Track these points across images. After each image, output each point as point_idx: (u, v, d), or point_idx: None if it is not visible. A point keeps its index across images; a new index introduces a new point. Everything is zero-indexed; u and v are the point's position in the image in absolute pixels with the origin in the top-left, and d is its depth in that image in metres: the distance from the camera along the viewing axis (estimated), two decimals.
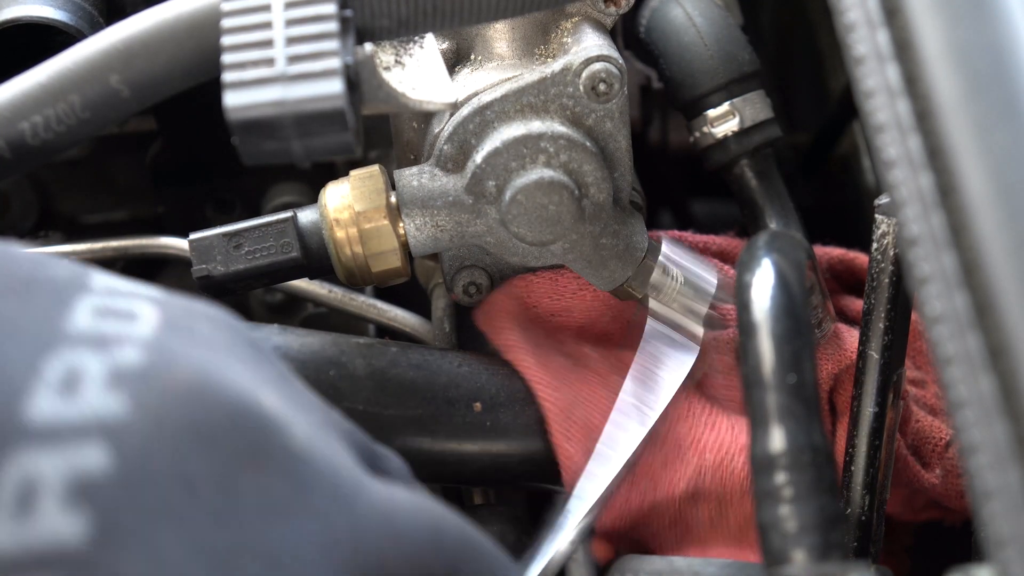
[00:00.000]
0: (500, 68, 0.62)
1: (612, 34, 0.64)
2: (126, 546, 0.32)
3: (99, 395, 0.33)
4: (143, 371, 0.34)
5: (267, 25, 0.46)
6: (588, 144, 0.59)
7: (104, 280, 0.38)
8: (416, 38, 0.57)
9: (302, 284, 0.68)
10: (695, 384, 0.66)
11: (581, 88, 0.59)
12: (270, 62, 0.45)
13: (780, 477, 0.45)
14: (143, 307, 0.37)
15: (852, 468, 0.60)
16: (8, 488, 0.31)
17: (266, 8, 0.47)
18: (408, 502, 0.41)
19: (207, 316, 0.40)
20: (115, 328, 0.35)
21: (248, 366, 0.38)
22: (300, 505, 0.36)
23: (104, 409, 0.33)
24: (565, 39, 0.62)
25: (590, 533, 0.64)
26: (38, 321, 0.35)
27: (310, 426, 0.39)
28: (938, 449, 0.66)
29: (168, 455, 0.34)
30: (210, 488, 0.34)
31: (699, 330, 0.63)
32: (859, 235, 0.73)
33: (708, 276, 0.64)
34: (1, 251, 0.38)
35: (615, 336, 0.67)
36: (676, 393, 0.62)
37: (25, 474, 0.31)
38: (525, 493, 0.70)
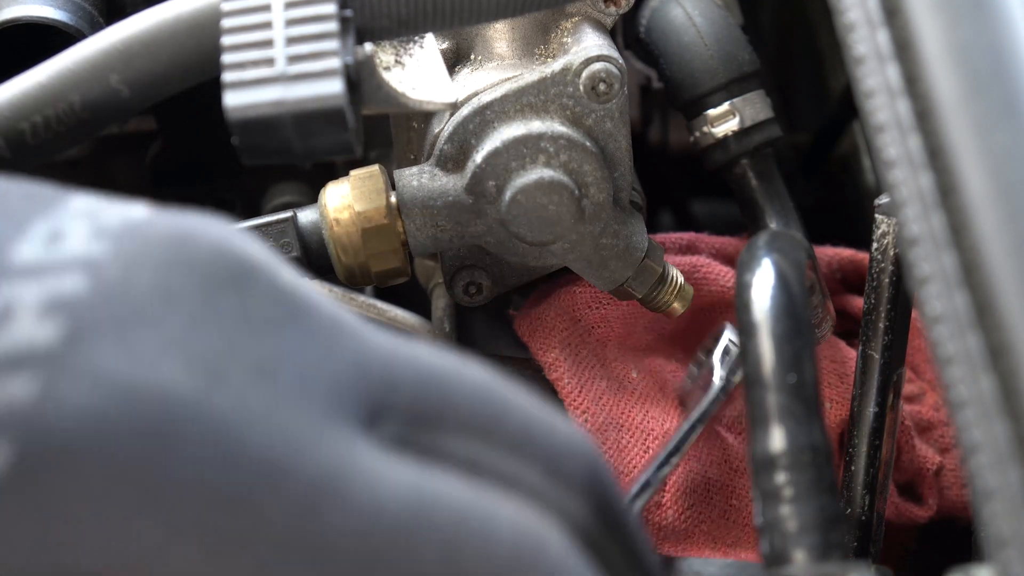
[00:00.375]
0: (500, 68, 0.62)
1: (612, 34, 0.64)
2: (99, 344, 0.32)
3: (83, 243, 0.34)
4: (127, 226, 0.35)
5: (267, 25, 0.46)
6: (588, 144, 0.59)
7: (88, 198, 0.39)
8: (416, 38, 0.57)
9: None
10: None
11: (581, 88, 0.59)
12: (270, 62, 0.45)
13: (780, 477, 0.45)
14: (135, 207, 0.37)
15: (852, 468, 0.60)
16: None
17: (266, 8, 0.47)
18: (424, 348, 0.38)
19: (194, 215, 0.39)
20: (104, 207, 0.36)
21: (233, 230, 0.37)
22: (294, 325, 0.35)
23: (86, 252, 0.33)
24: (565, 39, 0.62)
25: None
26: (31, 204, 0.35)
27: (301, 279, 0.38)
28: (928, 477, 0.67)
29: (147, 277, 0.33)
30: (190, 300, 0.34)
31: None
32: (859, 235, 0.73)
33: None
34: None
35: (653, 347, 0.68)
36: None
37: (4, 299, 0.32)
38: None
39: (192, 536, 0.32)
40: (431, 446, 0.36)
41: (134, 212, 0.36)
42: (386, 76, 0.50)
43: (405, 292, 0.70)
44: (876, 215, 0.60)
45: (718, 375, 0.62)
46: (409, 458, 0.35)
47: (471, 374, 0.38)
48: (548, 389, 0.65)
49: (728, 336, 0.63)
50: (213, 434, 0.32)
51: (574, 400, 0.63)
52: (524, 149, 0.59)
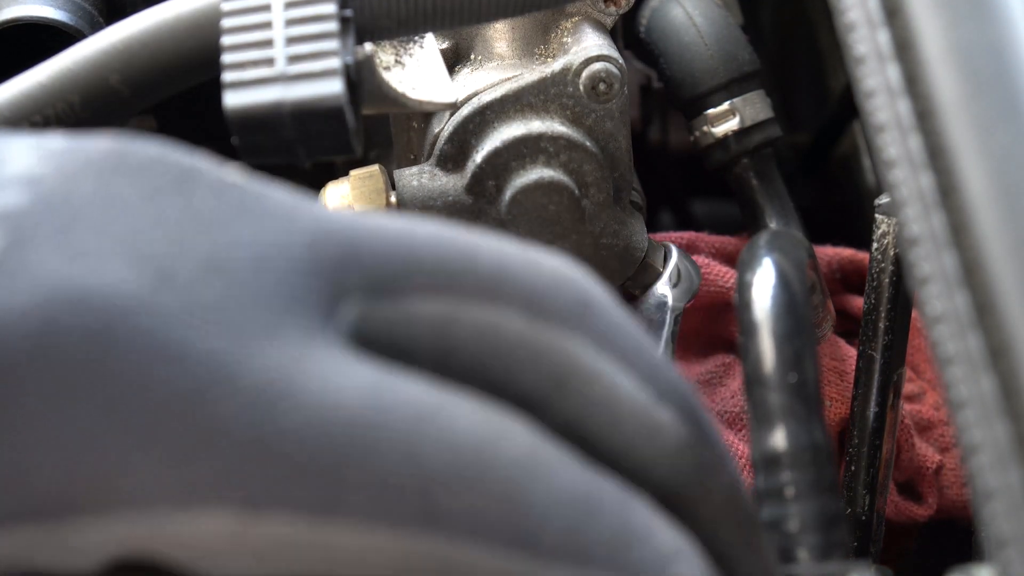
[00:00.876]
0: (500, 68, 0.62)
1: (612, 34, 0.64)
2: (39, 250, 0.31)
3: (25, 164, 0.33)
4: (66, 149, 0.34)
5: (267, 25, 0.46)
6: (588, 144, 0.59)
7: None
8: (416, 38, 0.57)
9: None
10: None
11: (581, 88, 0.59)
12: (270, 62, 0.45)
13: (781, 477, 0.45)
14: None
15: (852, 468, 0.60)
16: None
17: (266, 8, 0.47)
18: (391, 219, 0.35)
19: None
20: (56, 136, 0.35)
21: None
22: (241, 215, 0.33)
23: (27, 170, 0.33)
24: (565, 39, 0.62)
25: None
26: None
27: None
28: (928, 476, 0.67)
29: (88, 187, 0.32)
30: (133, 205, 0.32)
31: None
32: (859, 235, 0.73)
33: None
34: None
35: None
36: None
37: None
38: None
39: (149, 442, 0.30)
40: (397, 318, 0.33)
41: (81, 138, 0.35)
42: (386, 76, 0.50)
43: None
44: (876, 215, 0.60)
45: (669, 299, 0.62)
46: (370, 355, 0.33)
47: (433, 228, 0.35)
48: None
49: (675, 260, 0.63)
50: (163, 334, 0.30)
51: None
52: (524, 149, 0.59)
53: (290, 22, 0.46)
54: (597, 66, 0.59)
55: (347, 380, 0.32)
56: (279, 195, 0.35)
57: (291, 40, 0.46)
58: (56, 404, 0.30)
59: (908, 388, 0.69)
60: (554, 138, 0.59)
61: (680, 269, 0.63)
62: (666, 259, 0.63)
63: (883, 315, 0.59)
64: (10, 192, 0.32)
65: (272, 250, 0.33)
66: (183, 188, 0.33)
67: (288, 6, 0.47)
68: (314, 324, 0.32)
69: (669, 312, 0.62)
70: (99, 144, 0.34)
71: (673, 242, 0.69)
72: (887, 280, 0.59)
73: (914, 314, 0.61)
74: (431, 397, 0.32)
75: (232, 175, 0.35)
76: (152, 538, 0.31)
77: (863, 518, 0.60)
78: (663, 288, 0.62)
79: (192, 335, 0.31)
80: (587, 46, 0.60)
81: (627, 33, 0.75)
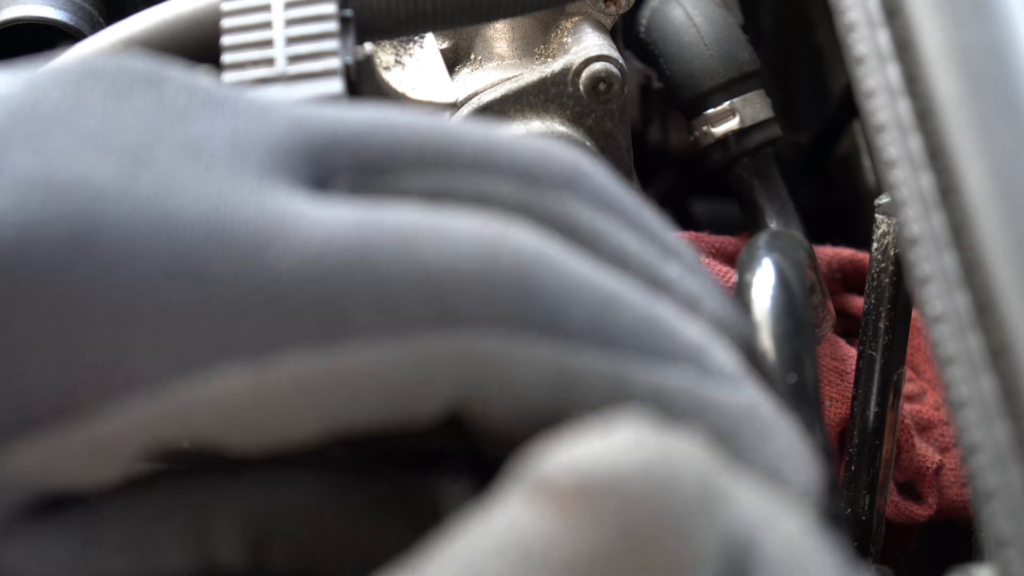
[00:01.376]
0: (500, 68, 0.62)
1: (612, 34, 0.64)
2: (11, 152, 0.30)
3: None
4: (37, 69, 0.33)
5: (267, 25, 0.46)
6: (588, 144, 0.59)
7: None
8: (416, 38, 0.57)
9: None
10: None
11: (581, 88, 0.59)
12: (270, 62, 0.45)
13: None
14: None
15: (852, 468, 0.60)
16: None
17: (266, 8, 0.47)
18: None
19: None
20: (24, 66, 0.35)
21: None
22: (215, 107, 0.32)
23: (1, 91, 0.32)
24: (565, 39, 0.62)
25: None
26: None
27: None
28: (928, 476, 0.67)
29: (55, 94, 0.32)
30: (102, 103, 0.32)
31: None
32: (859, 235, 0.73)
33: None
34: None
35: None
36: None
37: None
38: None
39: (143, 316, 0.29)
40: (387, 187, 0.33)
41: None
42: (386, 76, 0.50)
43: None
44: (876, 215, 0.60)
45: None
46: (361, 200, 0.32)
47: (415, 115, 0.34)
48: None
49: None
50: (145, 215, 0.29)
51: None
52: None
53: (290, 22, 0.46)
54: (597, 66, 0.59)
55: (334, 215, 0.31)
56: (253, 95, 0.34)
57: (291, 40, 0.46)
58: (41, 300, 0.29)
59: (908, 388, 0.69)
60: (554, 138, 0.59)
61: None
62: None
63: (883, 315, 0.59)
64: None
65: (251, 136, 0.32)
66: (153, 86, 0.33)
67: (288, 6, 0.47)
68: (300, 188, 0.32)
69: None
70: (69, 59, 0.34)
71: None
72: (887, 280, 0.59)
73: (914, 314, 0.61)
74: (425, 213, 0.31)
75: (202, 77, 0.34)
76: (169, 417, 0.30)
77: (863, 518, 0.60)
78: None
79: (173, 208, 0.30)
80: (587, 46, 0.60)
81: (627, 33, 0.75)
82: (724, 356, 0.33)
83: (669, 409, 0.31)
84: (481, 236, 0.31)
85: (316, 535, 0.33)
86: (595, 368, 0.31)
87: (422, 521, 0.33)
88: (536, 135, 0.35)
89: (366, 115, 0.34)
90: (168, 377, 0.29)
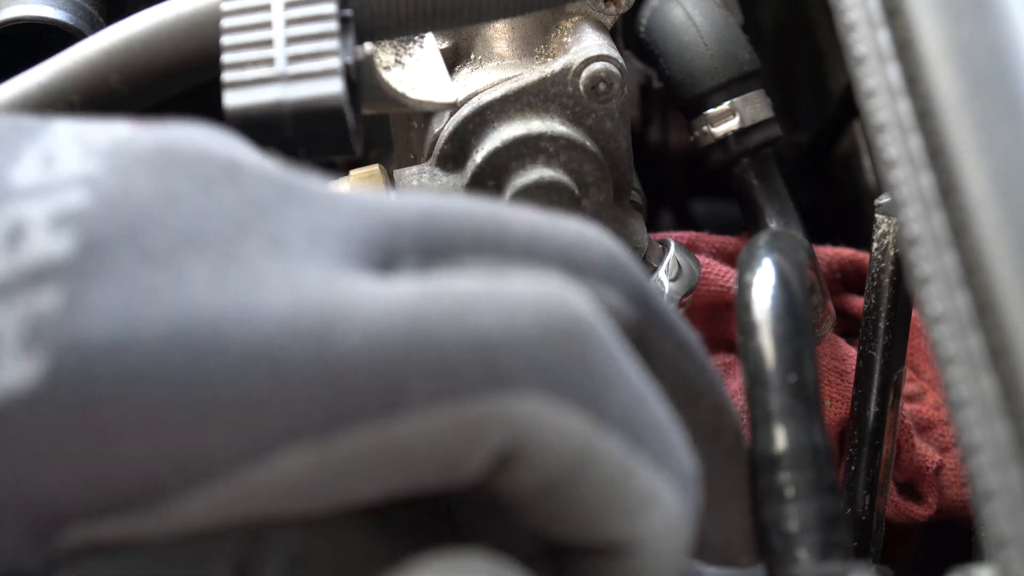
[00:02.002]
0: (500, 68, 0.62)
1: (612, 34, 0.64)
2: (114, 250, 0.32)
3: (77, 162, 0.34)
4: (115, 143, 0.35)
5: (267, 25, 0.46)
6: (588, 144, 0.59)
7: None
8: (416, 38, 0.57)
9: None
10: None
11: (581, 88, 0.59)
12: (270, 62, 0.45)
13: (781, 477, 0.45)
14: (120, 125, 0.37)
15: (852, 468, 0.60)
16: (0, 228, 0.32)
17: (266, 8, 0.47)
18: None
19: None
20: (89, 129, 0.36)
21: (216, 132, 0.38)
22: (289, 199, 0.34)
23: (81, 169, 0.34)
24: (565, 39, 0.62)
25: None
26: (17, 131, 0.36)
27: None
28: (928, 476, 0.67)
29: (145, 184, 0.33)
30: (190, 197, 0.33)
31: None
32: (859, 235, 0.73)
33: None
34: None
35: None
36: None
37: (13, 219, 0.32)
38: None
39: (225, 414, 0.31)
40: (448, 268, 0.35)
41: (118, 129, 0.36)
42: (386, 76, 0.50)
43: None
44: (876, 215, 0.60)
45: (666, 289, 0.62)
46: (419, 277, 0.34)
47: (463, 201, 0.36)
48: None
49: (672, 252, 0.63)
50: (232, 312, 0.31)
51: None
52: (524, 149, 0.59)
53: (290, 22, 0.46)
54: (597, 66, 0.59)
55: (395, 291, 0.32)
56: (317, 183, 0.36)
57: (291, 40, 0.46)
58: (136, 393, 0.30)
59: (908, 388, 0.69)
60: (554, 138, 0.59)
61: (679, 262, 0.63)
62: (664, 253, 0.63)
63: (883, 315, 0.59)
64: (71, 193, 0.33)
65: (322, 227, 0.34)
66: (233, 178, 0.34)
67: (288, 6, 0.47)
68: (370, 273, 0.33)
69: (667, 301, 0.62)
70: (145, 140, 0.35)
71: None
72: (887, 280, 0.59)
73: (914, 314, 0.61)
74: (481, 279, 0.33)
75: (270, 163, 0.36)
76: (237, 497, 0.31)
77: (863, 518, 0.60)
78: (661, 277, 0.62)
79: (256, 301, 0.32)
80: (587, 46, 0.60)
81: (627, 33, 0.75)
82: None
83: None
84: (539, 300, 0.32)
85: (349, 569, 0.35)
86: (613, 454, 0.33)
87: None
88: (570, 221, 0.37)
89: (424, 202, 0.36)
90: (243, 462, 0.31)
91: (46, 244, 0.32)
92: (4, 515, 0.31)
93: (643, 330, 0.36)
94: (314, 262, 0.33)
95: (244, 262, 0.32)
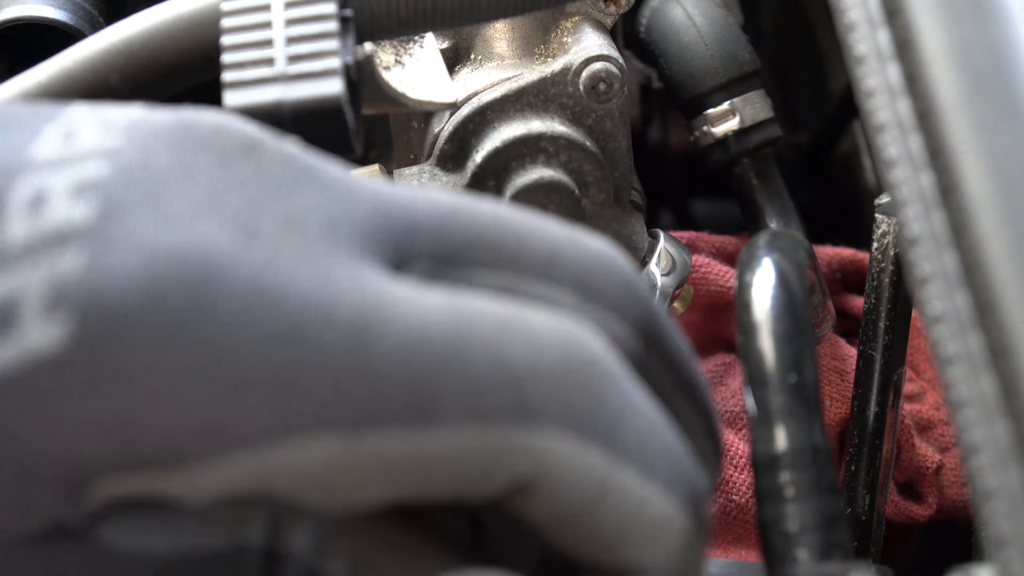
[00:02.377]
0: (500, 68, 0.62)
1: (612, 34, 0.64)
2: (133, 215, 0.32)
3: (96, 137, 0.35)
4: (132, 120, 0.35)
5: (267, 25, 0.46)
6: (588, 144, 0.59)
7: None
8: (416, 38, 0.57)
9: None
10: None
11: (581, 88, 0.59)
12: (270, 62, 0.45)
13: (781, 477, 0.45)
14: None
15: (852, 468, 0.60)
16: (22, 197, 0.33)
17: (266, 8, 0.47)
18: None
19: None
20: (103, 109, 0.37)
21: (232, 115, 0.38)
22: (306, 181, 0.35)
23: (101, 143, 0.34)
24: (565, 39, 0.62)
25: None
26: (37, 113, 0.36)
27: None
28: (928, 476, 0.67)
29: (163, 157, 0.34)
30: (208, 170, 0.34)
31: None
32: (859, 235, 0.73)
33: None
34: None
35: None
36: None
37: (35, 188, 0.33)
38: None
39: (253, 382, 0.31)
40: (461, 279, 0.35)
41: (134, 110, 0.36)
42: (386, 76, 0.50)
43: None
44: (876, 215, 0.60)
45: (658, 281, 0.62)
46: (442, 287, 0.34)
47: (489, 207, 0.37)
48: None
49: (663, 243, 0.63)
50: (257, 282, 0.32)
51: None
52: (524, 149, 0.59)
53: (290, 22, 0.46)
54: (597, 66, 0.59)
55: (428, 301, 0.33)
56: (336, 168, 0.37)
57: (291, 40, 0.46)
58: (163, 357, 0.31)
59: (908, 388, 0.69)
60: (554, 138, 0.59)
61: (670, 253, 0.63)
62: (654, 244, 0.63)
63: (883, 315, 0.59)
64: (90, 164, 0.34)
65: (340, 215, 0.35)
66: (251, 155, 0.35)
67: (288, 6, 0.47)
68: (387, 271, 0.34)
69: (658, 294, 0.62)
70: (162, 117, 0.36)
71: None
72: (887, 280, 0.59)
73: (914, 314, 0.61)
74: (507, 306, 0.34)
75: (288, 144, 0.36)
76: (262, 472, 0.32)
77: (863, 518, 0.60)
78: (653, 270, 0.62)
79: (283, 281, 0.32)
80: (587, 46, 0.60)
81: (627, 33, 0.75)
82: None
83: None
84: (562, 338, 0.34)
85: (376, 549, 0.35)
86: (629, 487, 0.34)
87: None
88: (592, 240, 0.38)
89: (445, 205, 0.36)
90: (267, 439, 0.31)
91: (67, 210, 0.32)
92: (36, 471, 0.31)
93: (644, 363, 0.37)
94: (334, 252, 0.33)
95: (263, 239, 0.33)
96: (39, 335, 0.31)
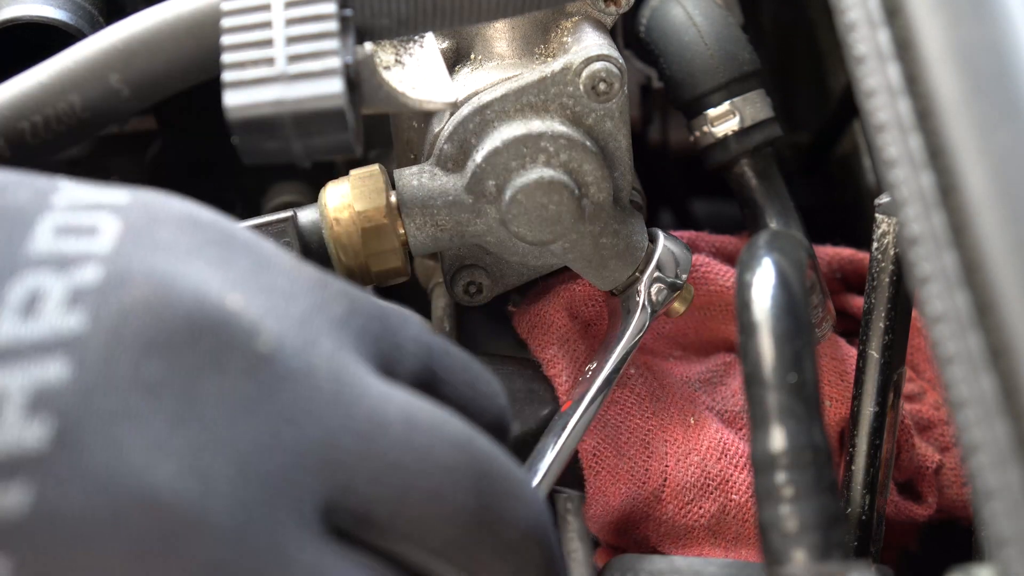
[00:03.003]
0: (500, 67, 0.62)
1: (612, 33, 0.64)
2: (86, 447, 0.32)
3: (58, 314, 0.34)
4: (100, 288, 0.35)
5: (267, 24, 0.46)
6: (588, 143, 0.59)
7: (68, 193, 0.38)
8: (416, 37, 0.57)
9: None
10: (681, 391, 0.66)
11: (581, 87, 0.59)
12: (270, 61, 0.45)
13: (780, 476, 0.45)
14: (104, 219, 0.37)
15: (852, 468, 0.60)
16: None
17: (266, 8, 0.47)
18: (404, 416, 0.38)
19: (173, 217, 0.39)
20: (75, 247, 0.36)
21: (214, 266, 0.37)
22: (269, 405, 0.35)
23: (63, 327, 0.34)
24: (565, 38, 0.62)
25: (595, 541, 0.65)
26: (2, 244, 0.35)
27: (291, 321, 0.38)
28: (928, 476, 0.67)
29: (127, 363, 0.34)
30: (171, 392, 0.34)
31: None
32: (859, 235, 0.73)
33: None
34: None
35: (651, 345, 0.68)
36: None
37: None
38: None
39: None
40: (378, 547, 0.38)
41: (107, 239, 0.36)
42: (386, 75, 0.50)
43: (405, 292, 0.70)
44: (876, 215, 0.60)
45: (644, 297, 0.62)
46: (364, 557, 0.37)
47: (434, 470, 0.38)
48: (546, 385, 0.65)
49: (663, 242, 0.63)
50: (210, 550, 0.33)
51: (568, 393, 0.63)
52: (524, 148, 0.59)
53: (290, 22, 0.46)
54: (597, 65, 0.59)
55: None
56: (300, 373, 0.37)
57: (291, 40, 0.46)
58: None
59: (908, 388, 0.69)
60: (554, 137, 0.59)
61: (672, 251, 0.63)
62: (652, 244, 0.64)
63: (883, 315, 0.59)
64: (52, 363, 0.33)
65: (286, 463, 0.36)
66: (218, 366, 0.35)
67: (288, 6, 0.47)
68: (317, 532, 0.36)
69: (666, 290, 0.63)
70: (134, 291, 0.35)
71: None
72: (887, 280, 0.59)
73: (914, 314, 0.61)
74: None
75: (266, 328, 0.37)
76: None
77: (863, 518, 0.60)
78: (641, 290, 0.63)
79: (231, 550, 0.33)
80: (587, 45, 0.60)
81: (627, 33, 0.75)
82: None
83: None
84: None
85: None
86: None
87: None
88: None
89: (383, 464, 0.38)
90: None
91: (20, 431, 0.32)
92: None
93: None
94: (275, 523, 0.35)
95: (216, 491, 0.34)
96: None
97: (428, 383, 0.43)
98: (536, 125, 0.59)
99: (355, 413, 0.37)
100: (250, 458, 0.34)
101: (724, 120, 0.67)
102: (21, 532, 0.31)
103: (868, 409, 0.60)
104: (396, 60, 0.55)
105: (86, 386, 0.33)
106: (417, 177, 0.60)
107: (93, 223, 0.37)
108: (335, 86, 0.45)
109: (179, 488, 0.33)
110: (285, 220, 0.60)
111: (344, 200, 0.60)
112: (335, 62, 0.45)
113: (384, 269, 0.61)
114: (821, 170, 0.94)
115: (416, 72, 0.54)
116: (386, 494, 0.37)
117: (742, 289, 0.49)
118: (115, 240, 0.36)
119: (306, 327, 0.38)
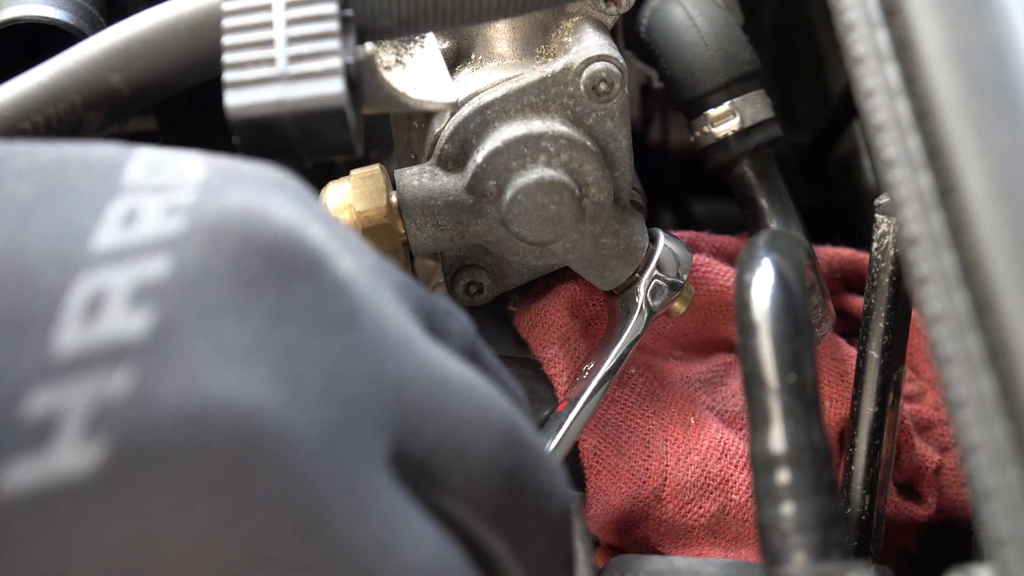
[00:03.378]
0: (501, 68, 0.62)
1: (612, 34, 0.64)
2: (189, 336, 0.32)
3: (158, 222, 0.34)
4: (196, 202, 0.35)
5: (268, 25, 0.46)
6: (589, 144, 0.59)
7: (147, 149, 0.40)
8: (417, 37, 0.57)
9: None
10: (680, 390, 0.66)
11: (582, 87, 0.59)
12: (271, 62, 0.45)
13: (780, 476, 0.45)
14: (188, 161, 0.38)
15: (852, 468, 0.60)
16: (78, 300, 0.32)
17: (267, 8, 0.47)
18: (464, 376, 0.39)
19: (248, 168, 0.40)
20: (167, 178, 0.37)
21: (295, 204, 0.38)
22: (351, 329, 0.36)
23: (162, 231, 0.34)
24: (566, 39, 0.62)
25: (595, 541, 0.65)
26: (98, 180, 0.36)
27: (363, 266, 0.38)
28: (928, 476, 0.67)
29: (226, 259, 0.34)
30: (269, 289, 0.34)
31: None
32: (859, 235, 0.73)
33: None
34: (47, 146, 0.39)
35: (652, 344, 0.68)
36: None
37: (93, 289, 0.33)
38: None
39: (268, 560, 0.32)
40: (432, 501, 0.38)
41: (196, 174, 0.36)
42: (387, 76, 0.50)
43: None
44: (876, 215, 0.60)
45: (644, 297, 0.62)
46: (425, 509, 0.37)
47: (491, 432, 0.38)
48: (547, 385, 0.65)
49: (663, 241, 0.63)
50: (294, 464, 0.33)
51: (567, 393, 0.63)
52: (525, 149, 0.59)
53: (291, 22, 0.46)
54: (598, 66, 0.59)
55: (421, 541, 0.36)
56: (373, 310, 0.37)
57: (292, 40, 0.46)
58: (193, 502, 0.31)
59: (908, 388, 0.69)
60: (555, 137, 0.59)
61: (672, 251, 0.63)
62: (653, 245, 0.64)
63: (883, 315, 0.60)
64: (153, 261, 0.33)
65: (366, 388, 0.36)
66: (308, 277, 0.36)
67: (289, 6, 0.47)
68: (388, 474, 0.36)
69: (667, 292, 0.63)
70: (229, 204, 0.36)
71: None
72: (887, 280, 0.59)
73: (914, 314, 0.61)
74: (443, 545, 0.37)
75: (344, 263, 0.37)
76: None
77: (863, 518, 0.60)
78: (640, 292, 0.63)
79: (314, 470, 0.33)
80: (588, 46, 0.60)
81: (627, 33, 0.75)
82: None
83: None
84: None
85: None
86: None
87: None
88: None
89: (450, 417, 0.38)
90: None
91: (123, 321, 0.32)
92: None
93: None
94: (357, 445, 0.35)
95: (303, 405, 0.34)
96: (73, 458, 0.30)
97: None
98: (537, 125, 0.59)
99: (424, 360, 0.38)
100: (335, 377, 0.35)
101: (724, 120, 0.67)
102: (122, 418, 0.31)
103: (868, 409, 0.60)
104: (397, 60, 0.55)
105: (187, 279, 0.33)
106: (418, 177, 0.60)
107: (178, 162, 0.38)
108: (336, 86, 0.45)
109: (269, 390, 0.33)
110: None
111: (345, 200, 0.60)
112: (336, 62, 0.45)
113: None
114: (821, 170, 0.94)
115: (417, 72, 0.54)
116: (448, 446, 0.37)
117: (742, 289, 0.49)
118: (203, 173, 0.37)
119: (375, 277, 0.39)
